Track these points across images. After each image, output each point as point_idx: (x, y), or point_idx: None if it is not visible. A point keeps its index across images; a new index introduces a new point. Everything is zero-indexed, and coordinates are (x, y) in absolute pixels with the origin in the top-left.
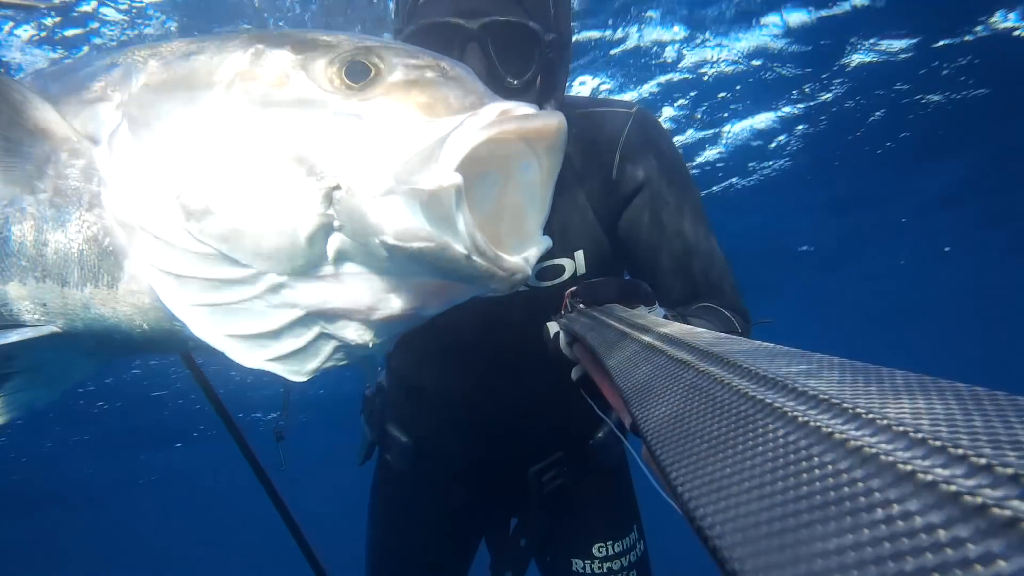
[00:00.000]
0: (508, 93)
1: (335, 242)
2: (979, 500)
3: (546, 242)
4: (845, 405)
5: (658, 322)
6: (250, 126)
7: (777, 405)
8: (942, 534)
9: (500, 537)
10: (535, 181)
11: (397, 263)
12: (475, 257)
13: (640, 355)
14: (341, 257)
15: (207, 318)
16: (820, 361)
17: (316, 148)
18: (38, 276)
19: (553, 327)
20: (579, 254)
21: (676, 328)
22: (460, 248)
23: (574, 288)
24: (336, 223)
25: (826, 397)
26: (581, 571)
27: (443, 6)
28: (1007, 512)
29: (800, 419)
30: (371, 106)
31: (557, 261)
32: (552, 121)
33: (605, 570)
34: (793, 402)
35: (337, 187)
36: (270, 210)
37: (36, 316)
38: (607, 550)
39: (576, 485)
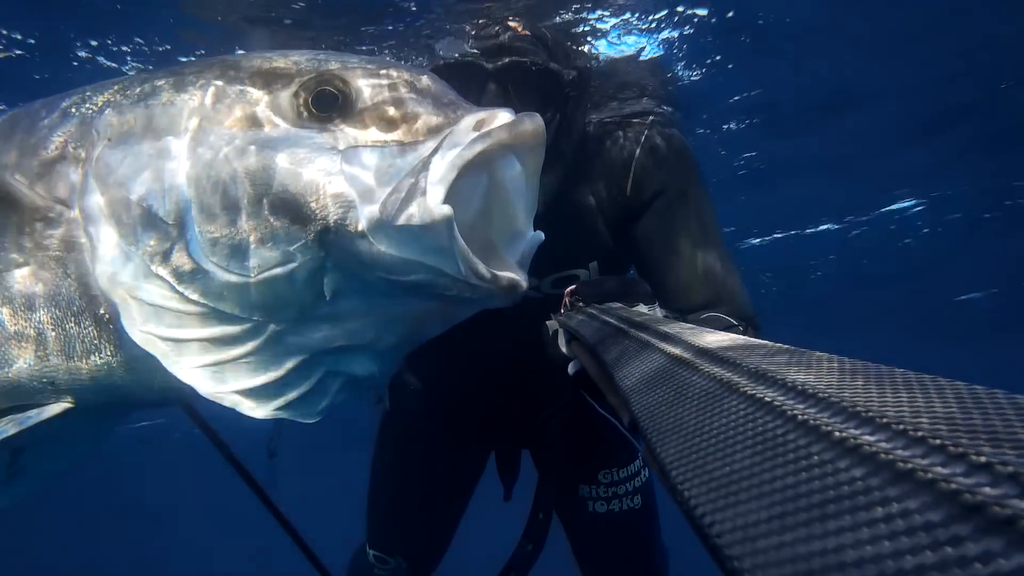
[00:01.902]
0: None
1: (330, 282)
2: (978, 498)
3: (537, 238)
4: (844, 403)
5: (658, 320)
6: (227, 174)
7: (776, 403)
8: (941, 532)
9: (509, 467)
10: (519, 178)
11: (394, 294)
12: (472, 280)
13: (639, 353)
14: (339, 295)
15: (212, 377)
16: (819, 359)
17: (298, 189)
18: (40, 355)
19: (552, 325)
20: (593, 265)
21: (675, 326)
22: (457, 274)
23: (574, 287)
24: (329, 263)
25: (825, 395)
26: (587, 495)
27: (479, 42)
28: (1006, 510)
29: (799, 417)
30: (345, 136)
31: (571, 272)
32: (529, 126)
33: (610, 494)
34: (792, 400)
35: (325, 228)
36: (261, 260)
37: (47, 394)
38: (612, 476)
39: (582, 424)
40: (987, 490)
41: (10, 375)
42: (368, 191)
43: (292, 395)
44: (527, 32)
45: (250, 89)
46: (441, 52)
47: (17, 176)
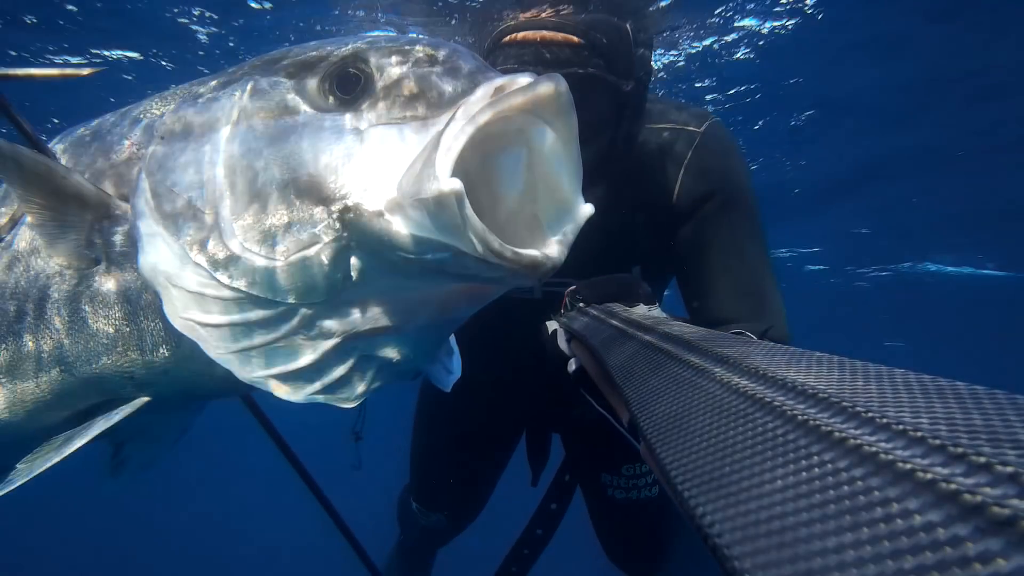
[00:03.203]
0: (583, 142)
1: (356, 263)
2: (978, 498)
3: (586, 210)
4: (845, 404)
5: (658, 321)
6: (258, 163)
7: (777, 403)
8: (941, 532)
9: (539, 451)
10: (555, 146)
11: (417, 274)
12: (491, 259)
13: (639, 353)
14: (365, 277)
15: (249, 362)
16: (820, 360)
17: (321, 171)
18: (120, 351)
19: (552, 325)
20: (636, 270)
21: (676, 327)
22: (474, 253)
23: (574, 287)
24: (352, 244)
25: (826, 396)
26: (608, 483)
27: (524, 52)
28: (1006, 510)
29: (800, 417)
30: (367, 116)
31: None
32: (547, 88)
33: (630, 485)
34: (793, 400)
35: (345, 208)
36: (289, 244)
37: (128, 389)
38: (634, 470)
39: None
40: (987, 490)
41: (95, 370)
42: (385, 170)
43: (328, 379)
44: (583, 40)
45: (283, 80)
46: (498, 64)
47: (86, 176)
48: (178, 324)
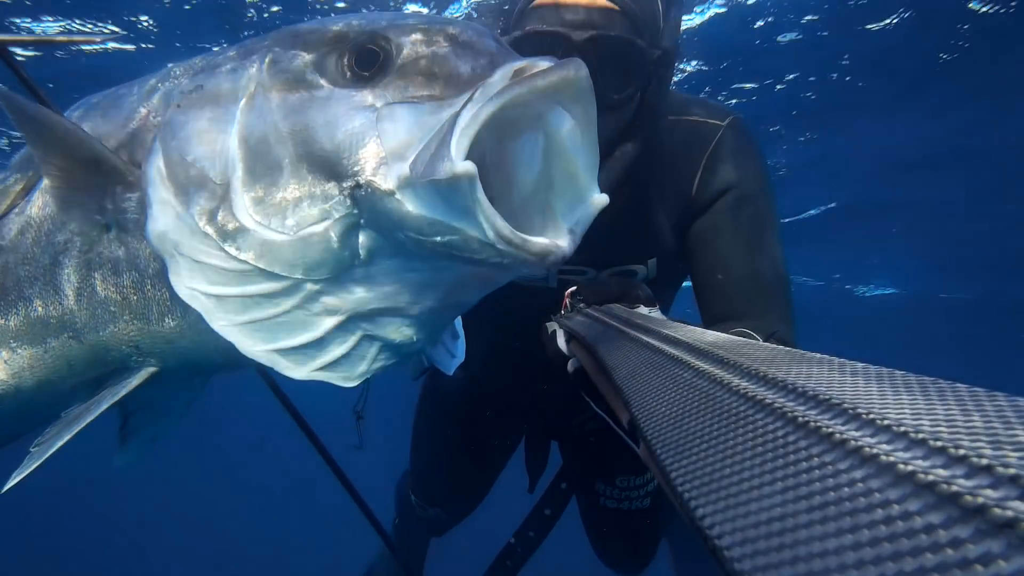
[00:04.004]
0: (608, 106)
1: (365, 241)
2: (979, 501)
3: (597, 201)
4: (845, 405)
5: (658, 322)
6: (272, 136)
7: (777, 405)
8: (942, 534)
9: (537, 459)
10: (573, 133)
11: (426, 256)
12: (500, 245)
13: (639, 354)
14: (372, 256)
15: (252, 335)
16: (820, 361)
17: (335, 147)
18: (127, 319)
19: (551, 326)
20: (652, 261)
21: (676, 328)
22: (483, 237)
23: (574, 288)
24: (363, 222)
25: (826, 397)
26: (602, 492)
27: (552, 15)
28: (1007, 513)
29: (800, 419)
30: (384, 94)
31: (630, 267)
32: (566, 72)
33: (623, 496)
34: (793, 402)
35: (357, 185)
36: (299, 218)
37: (134, 359)
38: (629, 482)
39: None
40: (988, 492)
41: (103, 338)
42: (399, 149)
43: (329, 357)
44: (614, 5)
45: (302, 53)
46: (528, 26)
47: (108, 140)
48: (183, 293)
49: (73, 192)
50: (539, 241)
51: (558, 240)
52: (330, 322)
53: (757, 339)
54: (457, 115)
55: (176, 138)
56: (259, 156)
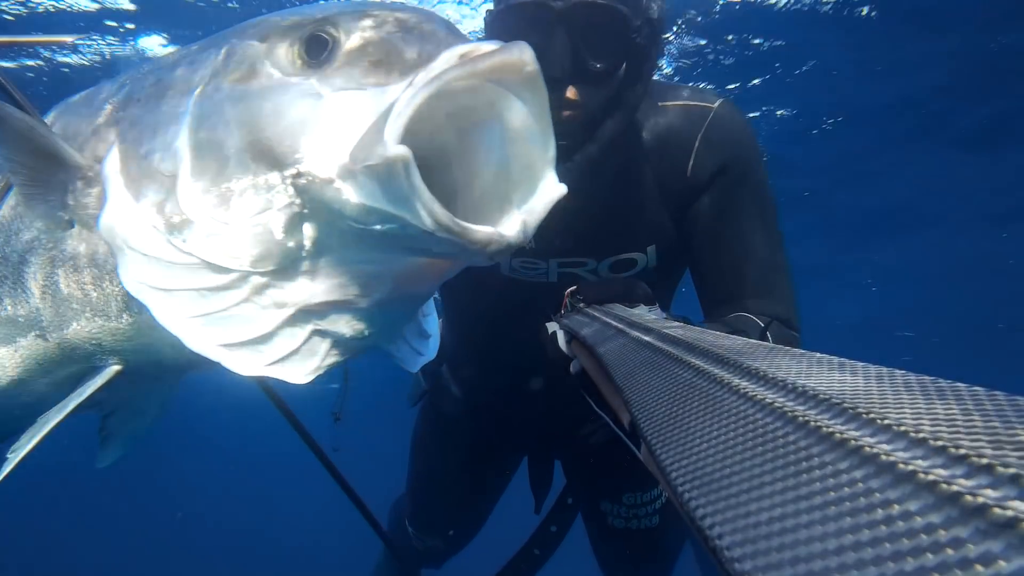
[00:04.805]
0: (592, 77)
1: (310, 232)
2: (979, 500)
3: (555, 189)
4: (846, 405)
5: (658, 321)
6: (220, 126)
7: (777, 405)
8: (942, 534)
9: (542, 480)
10: (527, 121)
11: (371, 246)
12: (440, 233)
13: (640, 354)
14: (319, 248)
15: (199, 330)
16: (820, 361)
17: (277, 135)
18: (88, 316)
19: (552, 326)
20: (651, 249)
21: (676, 327)
22: (422, 225)
23: (574, 288)
24: (306, 211)
25: (826, 397)
26: (609, 511)
27: None
28: (1007, 512)
29: (800, 419)
30: (331, 81)
31: (629, 255)
32: (509, 55)
33: (630, 515)
34: (793, 402)
35: (298, 174)
36: (243, 208)
37: (98, 357)
38: (635, 499)
39: (616, 443)
40: (988, 492)
41: (67, 335)
42: (340, 136)
43: (279, 352)
44: None
45: (255, 43)
46: None
47: (76, 140)
48: (131, 287)
49: (35, 188)
50: (480, 229)
51: (504, 228)
52: (279, 316)
53: (760, 323)
54: (395, 101)
55: (132, 131)
56: (206, 146)
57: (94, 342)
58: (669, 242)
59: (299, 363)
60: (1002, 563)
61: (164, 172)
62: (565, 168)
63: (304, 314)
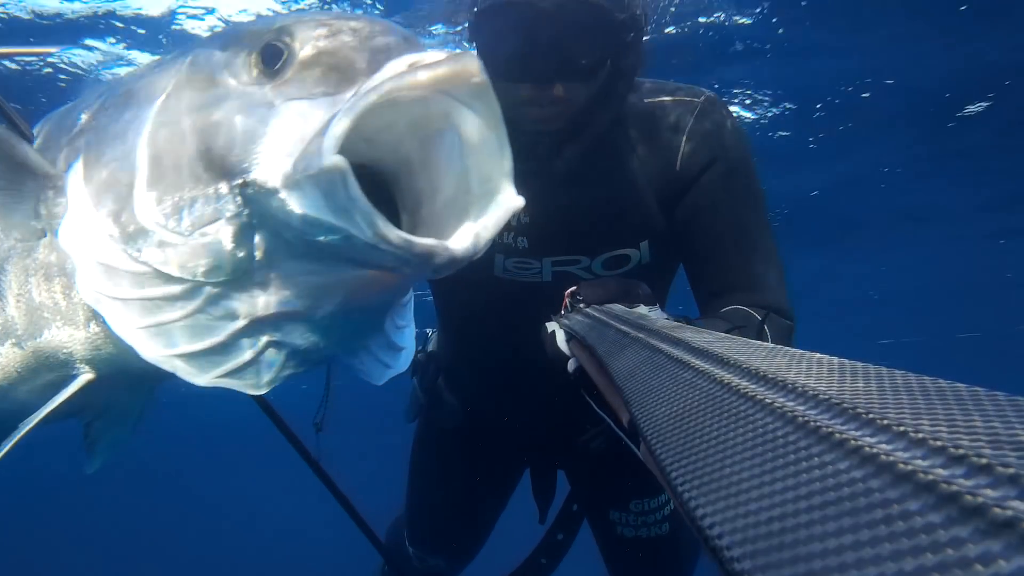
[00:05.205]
0: (578, 73)
1: (261, 243)
2: (979, 500)
3: (511, 202)
4: (845, 405)
5: (658, 322)
6: (176, 135)
7: (777, 405)
8: (942, 534)
9: (545, 490)
10: (481, 131)
11: (319, 258)
12: (382, 245)
13: (639, 354)
14: (270, 258)
15: (153, 339)
16: (820, 361)
17: (227, 146)
18: (59, 324)
19: (551, 326)
20: (644, 244)
21: (676, 327)
22: (363, 236)
23: (574, 288)
24: (254, 222)
25: (826, 397)
26: (617, 521)
27: None
28: (1007, 512)
29: (800, 419)
30: (284, 91)
31: (622, 251)
32: (453, 66)
33: (639, 522)
34: (793, 402)
35: (245, 183)
36: (195, 218)
37: (70, 365)
38: (643, 506)
39: (620, 449)
40: (988, 492)
41: (40, 344)
42: (286, 145)
43: (234, 363)
44: None
45: (216, 52)
46: None
47: (59, 150)
48: (88, 297)
49: (11, 198)
50: (423, 242)
51: (452, 242)
52: (232, 327)
53: (757, 316)
54: (337, 112)
55: (96, 140)
56: (162, 156)
57: (66, 351)
58: (662, 237)
59: (254, 374)
60: (1002, 563)
61: (122, 181)
62: (555, 165)
63: (258, 325)
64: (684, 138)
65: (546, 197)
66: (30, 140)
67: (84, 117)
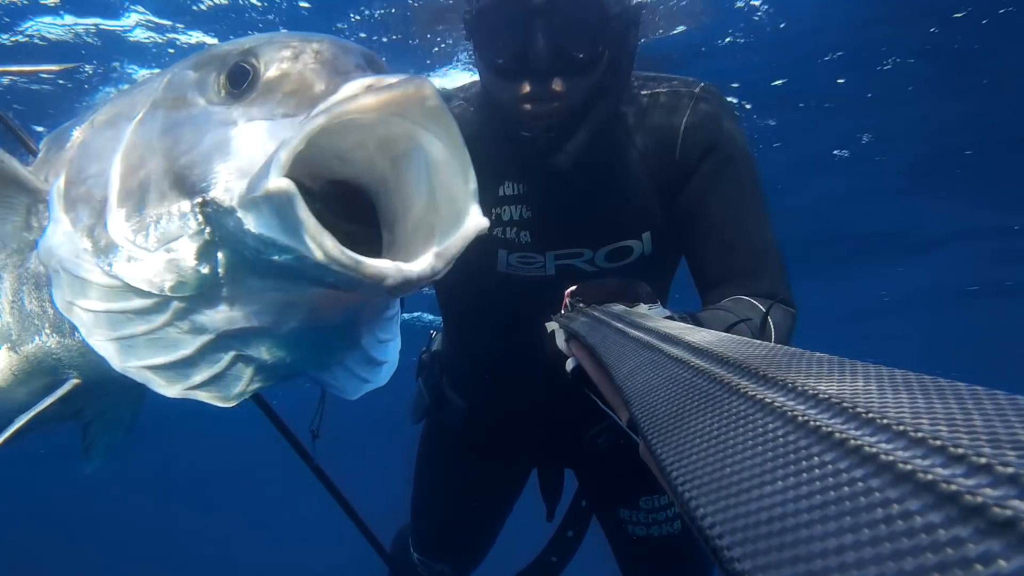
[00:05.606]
0: (574, 68)
1: (224, 260)
2: (979, 500)
3: (475, 224)
4: (845, 404)
5: (659, 321)
6: (148, 153)
7: (776, 404)
8: (942, 534)
9: (553, 488)
10: (443, 153)
11: (276, 275)
12: (332, 266)
13: (639, 353)
14: (233, 275)
15: (125, 351)
16: (820, 360)
17: (191, 164)
18: (48, 331)
19: (551, 326)
20: (646, 235)
21: (676, 326)
22: (313, 256)
23: (573, 288)
24: (215, 239)
25: (826, 397)
26: (628, 519)
27: None
28: (1007, 512)
29: (800, 418)
30: (248, 111)
31: (624, 243)
32: (405, 89)
33: (650, 520)
34: (792, 401)
35: (205, 203)
36: (160, 235)
37: (60, 370)
38: (653, 503)
39: (627, 445)
40: (987, 491)
41: (32, 349)
42: (244, 166)
43: (202, 376)
44: None
45: (190, 73)
46: None
47: (56, 165)
48: (62, 307)
49: (4, 211)
50: (373, 263)
51: (406, 264)
52: (200, 341)
53: (761, 307)
54: (290, 134)
55: (79, 156)
56: (133, 173)
57: (54, 356)
58: (663, 228)
59: (224, 388)
60: (1002, 562)
61: (97, 197)
62: (556, 159)
63: (225, 339)
64: (682, 128)
65: (547, 191)
66: (34, 155)
67: (75, 134)
